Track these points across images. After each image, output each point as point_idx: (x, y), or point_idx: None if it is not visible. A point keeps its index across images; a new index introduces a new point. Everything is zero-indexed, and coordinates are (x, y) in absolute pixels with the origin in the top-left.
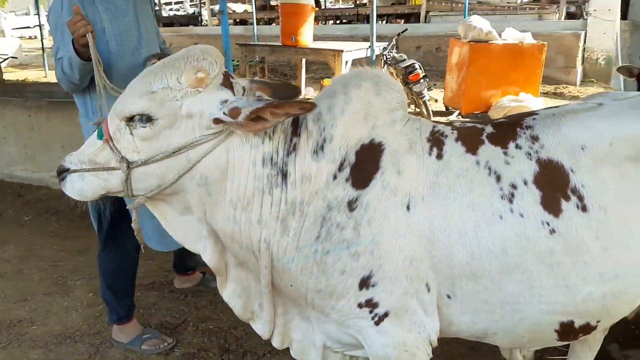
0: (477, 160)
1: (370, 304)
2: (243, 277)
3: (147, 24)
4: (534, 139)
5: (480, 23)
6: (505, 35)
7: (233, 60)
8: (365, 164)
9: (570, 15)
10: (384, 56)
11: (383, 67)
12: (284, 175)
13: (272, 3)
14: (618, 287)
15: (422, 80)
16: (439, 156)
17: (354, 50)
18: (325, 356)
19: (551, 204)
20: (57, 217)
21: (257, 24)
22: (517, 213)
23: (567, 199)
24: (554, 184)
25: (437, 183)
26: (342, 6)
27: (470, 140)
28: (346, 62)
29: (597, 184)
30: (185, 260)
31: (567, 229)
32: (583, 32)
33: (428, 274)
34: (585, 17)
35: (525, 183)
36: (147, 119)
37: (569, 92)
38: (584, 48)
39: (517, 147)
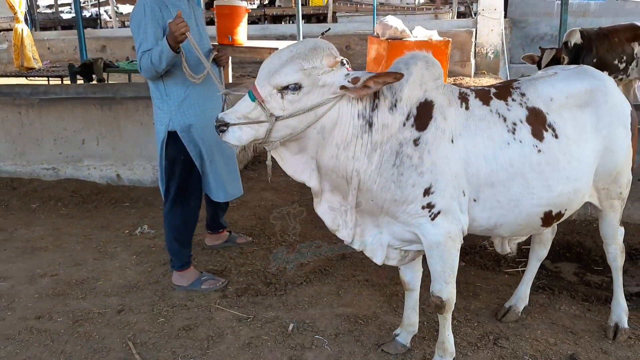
0: (490, 109)
1: (430, 206)
2: (333, 199)
3: (201, 24)
4: (522, 94)
5: (396, 22)
6: (416, 33)
7: None
8: (423, 115)
9: (460, 14)
10: None
11: None
12: (370, 125)
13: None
14: (576, 186)
15: None
16: (467, 108)
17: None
18: (387, 252)
19: (537, 134)
20: (63, 203)
21: None
22: (518, 140)
23: (546, 130)
24: (537, 122)
25: (467, 125)
26: (248, 7)
27: (484, 97)
28: None
29: (561, 121)
30: (219, 220)
31: (547, 149)
32: (474, 30)
33: (464, 185)
34: (474, 16)
35: (521, 121)
36: (297, 87)
37: (466, 82)
38: (475, 43)
39: (513, 100)
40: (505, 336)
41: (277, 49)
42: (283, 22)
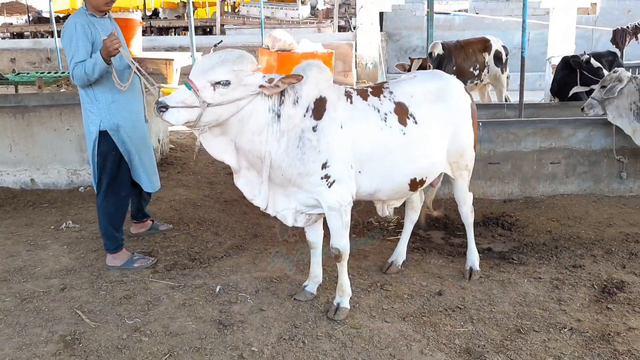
0: (368, 103)
1: (327, 177)
2: (249, 175)
3: (122, 38)
4: (391, 92)
5: (284, 36)
6: (302, 45)
7: (64, 72)
8: (319, 108)
9: (341, 28)
10: None
11: None
12: (279, 116)
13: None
14: (432, 160)
15: None
16: (351, 102)
17: (180, 60)
18: (295, 216)
19: (402, 121)
20: None
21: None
22: (388, 126)
23: (409, 118)
24: (402, 112)
25: (352, 115)
26: None
27: (363, 94)
28: (176, 69)
29: (420, 112)
30: (144, 210)
31: (410, 132)
32: (354, 42)
33: (351, 160)
34: (353, 29)
35: (390, 112)
36: (227, 83)
37: None
38: (356, 55)
39: (384, 96)
40: (389, 283)
41: (172, 59)
42: (170, 34)
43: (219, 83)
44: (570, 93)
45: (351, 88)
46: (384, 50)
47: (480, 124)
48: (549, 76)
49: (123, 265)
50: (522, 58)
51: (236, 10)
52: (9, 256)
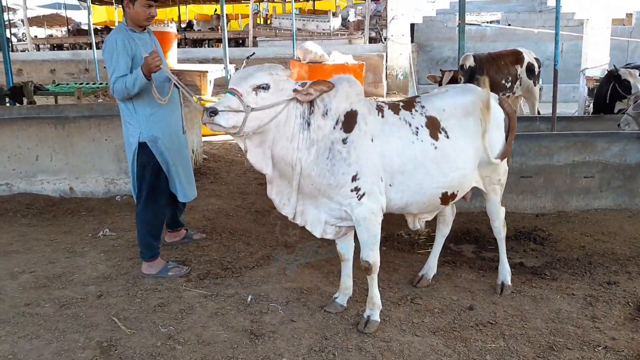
0: (399, 117)
1: (357, 189)
2: (281, 184)
3: (161, 52)
4: (422, 107)
5: (315, 48)
6: (333, 57)
7: (102, 83)
8: (349, 121)
9: (372, 40)
10: None
11: None
12: (308, 124)
13: (84, 27)
14: (463, 173)
15: None
16: (382, 116)
17: (214, 72)
18: (325, 228)
19: (434, 135)
20: (21, 215)
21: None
22: (420, 140)
23: (440, 132)
24: (434, 126)
25: (383, 128)
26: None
27: (395, 108)
28: (210, 81)
29: (451, 126)
30: (178, 219)
31: (441, 146)
32: (385, 54)
33: (381, 173)
34: (384, 41)
35: (422, 126)
36: (267, 86)
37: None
38: (387, 66)
39: (416, 110)
40: (419, 296)
41: (207, 72)
42: (204, 46)
43: (259, 87)
44: (616, 109)
45: (383, 102)
46: (414, 61)
47: None
48: (583, 88)
49: (158, 274)
50: (555, 71)
51: (268, 23)
52: (48, 263)
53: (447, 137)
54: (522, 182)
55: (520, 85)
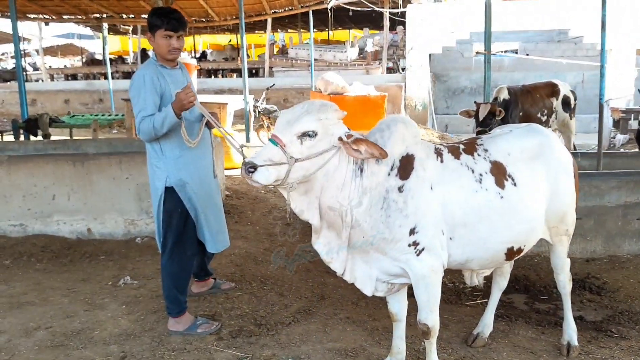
0: (460, 162)
1: (415, 244)
2: (329, 235)
3: (195, 89)
4: (485, 150)
5: (336, 79)
6: (354, 88)
7: (117, 115)
8: (406, 166)
9: (389, 70)
10: (257, 107)
11: (258, 117)
12: (361, 171)
13: (98, 57)
14: (532, 226)
15: None
16: (442, 161)
17: (233, 103)
18: (376, 285)
19: (500, 183)
20: (36, 259)
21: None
22: (484, 189)
23: (507, 180)
24: (499, 173)
25: (443, 175)
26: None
27: (455, 152)
28: (230, 112)
29: (518, 172)
30: (206, 268)
31: (508, 195)
32: (403, 84)
33: (442, 225)
34: (401, 71)
35: (486, 173)
36: (314, 134)
37: None
38: (405, 97)
39: (478, 154)
40: (477, 359)
41: (227, 103)
42: (218, 76)
43: (305, 134)
44: None
45: (441, 145)
46: (431, 91)
47: None
48: (607, 119)
49: (185, 331)
50: (600, 105)
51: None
52: (66, 317)
53: (515, 184)
54: None
55: (556, 119)
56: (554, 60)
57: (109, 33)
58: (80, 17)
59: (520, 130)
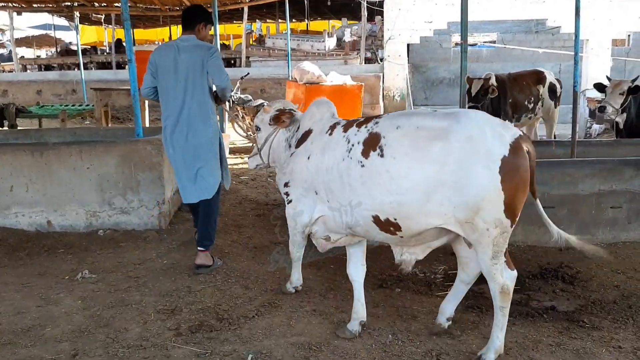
0: (344, 135)
1: (287, 194)
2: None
3: (211, 67)
4: (376, 123)
5: (312, 68)
6: (330, 77)
7: (88, 105)
8: (304, 138)
9: (367, 60)
10: (231, 97)
11: (232, 106)
12: (289, 145)
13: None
14: (399, 199)
15: None
16: (330, 134)
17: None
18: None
19: (365, 153)
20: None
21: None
22: (349, 157)
23: (374, 150)
24: (370, 144)
25: (324, 146)
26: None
27: (348, 126)
28: None
29: (395, 144)
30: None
31: (369, 164)
32: (381, 74)
33: (316, 187)
34: (380, 61)
35: (358, 143)
36: (258, 128)
37: None
38: (383, 87)
39: (365, 127)
40: (445, 352)
41: None
42: None
43: (257, 129)
44: None
45: (348, 121)
46: (409, 81)
47: None
48: (584, 109)
49: (213, 266)
50: (575, 92)
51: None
52: (17, 313)
53: (382, 155)
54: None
55: (542, 106)
56: (532, 49)
57: (82, 23)
58: (50, 5)
59: (442, 112)
